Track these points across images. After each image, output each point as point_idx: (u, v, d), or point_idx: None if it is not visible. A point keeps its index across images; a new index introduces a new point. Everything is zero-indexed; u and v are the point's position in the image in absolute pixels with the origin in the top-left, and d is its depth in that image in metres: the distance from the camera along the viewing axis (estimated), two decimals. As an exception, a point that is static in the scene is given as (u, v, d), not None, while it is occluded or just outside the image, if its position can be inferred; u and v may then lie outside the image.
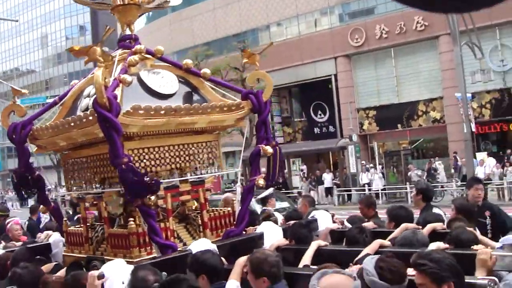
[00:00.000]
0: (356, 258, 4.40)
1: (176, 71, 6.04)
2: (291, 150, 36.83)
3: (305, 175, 34.78)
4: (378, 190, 29.42)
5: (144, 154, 5.32)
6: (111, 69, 5.51)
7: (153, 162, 5.39)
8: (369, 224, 5.95)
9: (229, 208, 6.14)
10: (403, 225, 5.33)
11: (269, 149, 5.94)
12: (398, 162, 31.10)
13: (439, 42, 33.94)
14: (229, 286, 4.06)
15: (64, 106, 6.12)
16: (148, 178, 4.67)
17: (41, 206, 6.60)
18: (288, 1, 40.77)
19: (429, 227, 5.21)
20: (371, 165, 32.18)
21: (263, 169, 6.48)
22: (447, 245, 4.44)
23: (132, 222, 5.09)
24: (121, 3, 6.01)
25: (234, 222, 5.95)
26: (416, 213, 6.42)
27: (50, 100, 8.36)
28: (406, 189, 27.89)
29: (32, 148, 6.20)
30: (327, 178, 31.97)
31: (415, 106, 35.28)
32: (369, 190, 28.77)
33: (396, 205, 6.78)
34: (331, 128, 39.62)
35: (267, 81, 6.24)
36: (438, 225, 5.25)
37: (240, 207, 5.91)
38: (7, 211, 12.03)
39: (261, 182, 5.85)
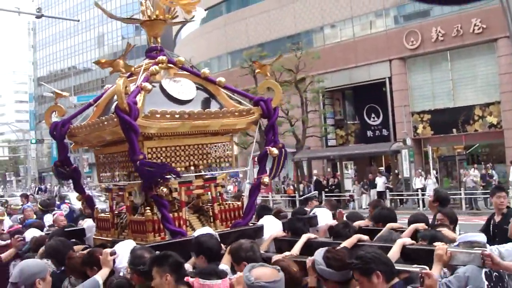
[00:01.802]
0: None
1: (195, 79, 6.98)
2: (344, 153, 37.28)
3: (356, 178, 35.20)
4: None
5: (161, 152, 6.30)
6: (137, 77, 6.53)
7: (170, 159, 6.35)
8: (361, 222, 6.73)
9: (239, 202, 7.05)
10: (388, 225, 6.15)
11: (275, 151, 6.78)
12: (452, 167, 31.30)
13: (497, 45, 33.75)
14: (221, 267, 4.94)
15: (98, 108, 7.14)
16: (165, 167, 5.66)
17: (77, 194, 7.68)
18: (343, 3, 41.30)
19: (412, 227, 5.94)
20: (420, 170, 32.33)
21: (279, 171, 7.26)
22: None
23: (148, 211, 6.08)
24: (149, 18, 6.98)
25: (242, 215, 6.88)
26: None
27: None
28: (460, 195, 28.11)
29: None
30: (380, 182, 32.32)
31: (471, 110, 35.22)
32: (423, 195, 28.95)
33: (380, 207, 7.49)
34: (384, 132, 40.02)
35: (276, 89, 7.09)
36: (420, 225, 5.95)
37: (247, 202, 6.83)
38: (47, 206, 13.38)
39: (266, 180, 6.71)
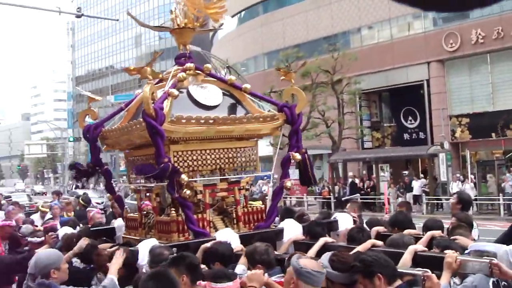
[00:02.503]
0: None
1: (221, 85, 7.31)
2: (380, 155, 37.26)
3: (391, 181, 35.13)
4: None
5: (187, 155, 6.64)
6: (165, 83, 6.89)
7: (196, 163, 6.69)
8: (380, 228, 6.95)
9: (262, 205, 7.35)
10: (406, 231, 6.36)
11: (298, 156, 7.06)
12: (491, 172, 31.12)
13: (538, 48, 33.43)
14: (237, 269, 5.23)
15: (129, 112, 7.52)
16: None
17: (108, 194, 8.09)
18: (381, 4, 41.18)
19: (429, 234, 6.10)
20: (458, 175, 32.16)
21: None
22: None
23: (173, 212, 6.43)
24: (178, 27, 7.34)
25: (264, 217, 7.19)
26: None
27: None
28: (499, 200, 27.94)
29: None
30: (416, 185, 32.32)
31: (511, 114, 34.90)
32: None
33: (396, 212, 7.70)
34: (421, 135, 39.86)
35: (300, 96, 7.38)
36: (436, 233, 6.12)
37: (270, 205, 7.14)
38: (89, 202, 13.86)
39: (288, 184, 7.00)
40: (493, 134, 35.53)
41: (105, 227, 8.48)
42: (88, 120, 7.78)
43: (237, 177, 7.07)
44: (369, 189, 35.14)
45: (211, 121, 6.47)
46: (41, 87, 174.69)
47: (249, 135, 7.18)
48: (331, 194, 35.70)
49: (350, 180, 36.61)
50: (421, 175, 34.38)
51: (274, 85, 37.03)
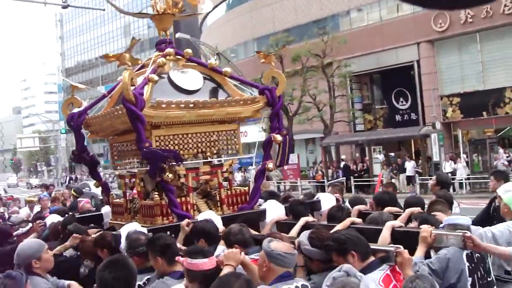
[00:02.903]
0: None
1: (202, 70, 7.41)
2: (372, 137, 37.42)
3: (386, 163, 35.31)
4: (462, 180, 29.76)
5: (170, 140, 6.76)
6: (146, 69, 6.99)
7: (178, 147, 6.80)
8: (361, 207, 7.06)
9: (246, 188, 7.48)
10: (386, 209, 6.50)
11: (279, 137, 7.19)
12: (483, 151, 31.32)
13: (528, 25, 33.49)
14: (217, 250, 5.34)
15: (112, 99, 7.62)
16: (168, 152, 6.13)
17: (94, 181, 8.20)
18: (369, -14, 41.30)
19: (408, 211, 6.23)
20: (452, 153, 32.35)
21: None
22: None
23: (156, 195, 6.56)
24: (158, 13, 7.43)
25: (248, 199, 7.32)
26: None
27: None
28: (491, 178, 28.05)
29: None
30: (409, 166, 32.46)
31: (502, 93, 34.90)
32: (453, 179, 28.97)
33: (381, 191, 7.84)
34: (413, 116, 40.00)
35: (280, 78, 7.50)
36: (415, 209, 6.23)
37: (253, 187, 7.27)
38: (81, 193, 13.98)
39: (270, 166, 7.13)
40: (484, 113, 35.65)
41: (92, 213, 8.60)
42: (73, 108, 7.87)
43: (219, 159, 7.18)
44: (362, 172, 35.31)
45: (191, 105, 6.58)
46: (31, 80, 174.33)
47: (231, 119, 7.29)
48: (325, 177, 35.86)
49: (343, 163, 36.81)
50: (407, 157, 34.30)
51: (264, 70, 37.02)
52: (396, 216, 6.11)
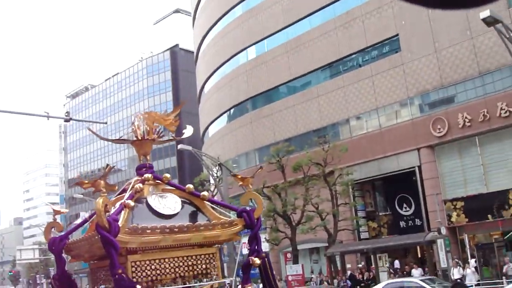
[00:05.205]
0: None
1: (181, 194, 7.70)
2: (377, 245, 37.29)
3: (394, 271, 34.96)
4: (471, 286, 29.36)
5: (146, 265, 6.94)
6: (124, 194, 7.28)
7: (155, 272, 6.98)
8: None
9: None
10: None
11: (257, 261, 7.37)
12: (491, 255, 31.06)
13: (526, 126, 34.08)
14: None
15: (92, 223, 7.87)
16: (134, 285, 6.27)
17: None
18: (367, 94, 42.42)
19: None
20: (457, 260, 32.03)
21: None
22: None
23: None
24: (137, 139, 7.81)
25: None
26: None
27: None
28: (502, 284, 27.73)
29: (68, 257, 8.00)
30: (416, 273, 32.12)
31: (506, 195, 35.01)
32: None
33: None
34: (417, 221, 39.97)
35: (258, 200, 7.76)
36: None
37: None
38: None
39: (250, 289, 7.28)
40: (489, 216, 35.53)
41: None
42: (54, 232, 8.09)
43: (198, 285, 7.32)
44: (369, 281, 34.91)
45: (166, 230, 6.81)
46: (33, 190, 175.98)
47: (209, 242, 7.49)
48: (331, 288, 35.44)
49: (349, 272, 36.46)
50: (414, 264, 33.93)
51: (266, 180, 37.57)
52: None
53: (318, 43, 46.86)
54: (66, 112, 35.32)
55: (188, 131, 8.15)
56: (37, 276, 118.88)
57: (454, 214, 37.38)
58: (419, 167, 39.01)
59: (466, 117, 36.13)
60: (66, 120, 32.91)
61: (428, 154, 38.73)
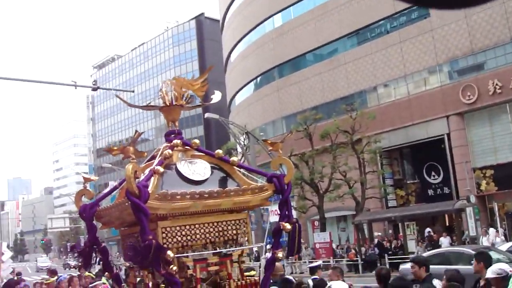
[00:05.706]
0: None
1: (210, 160, 7.59)
2: (405, 213, 36.95)
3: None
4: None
5: (176, 231, 6.87)
6: (154, 161, 7.20)
7: (185, 238, 6.90)
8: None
9: (256, 277, 7.52)
10: None
11: (288, 226, 7.24)
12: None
13: (558, 92, 33.50)
14: None
15: (122, 190, 7.81)
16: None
17: (106, 272, 8.31)
18: (395, 61, 41.86)
19: None
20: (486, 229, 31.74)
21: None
22: None
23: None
24: (165, 105, 7.69)
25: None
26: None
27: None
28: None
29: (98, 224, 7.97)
30: (445, 242, 31.86)
31: (536, 162, 34.63)
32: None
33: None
34: (446, 190, 39.66)
35: (288, 166, 7.62)
36: None
37: (263, 276, 7.29)
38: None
39: (280, 255, 7.17)
40: (520, 184, 35.11)
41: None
42: (85, 199, 8.06)
43: (228, 250, 7.24)
44: (397, 249, 34.80)
45: (196, 195, 6.71)
46: (62, 161, 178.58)
47: (239, 208, 7.39)
48: (358, 256, 35.38)
49: (376, 240, 36.36)
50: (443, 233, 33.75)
51: (293, 148, 37.44)
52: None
53: (345, 9, 46.26)
54: (94, 81, 35.37)
55: (216, 97, 7.99)
56: (68, 244, 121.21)
57: (484, 182, 37.02)
58: (448, 134, 38.57)
59: (496, 84, 35.53)
60: (94, 89, 32.92)
61: (457, 122, 38.24)
